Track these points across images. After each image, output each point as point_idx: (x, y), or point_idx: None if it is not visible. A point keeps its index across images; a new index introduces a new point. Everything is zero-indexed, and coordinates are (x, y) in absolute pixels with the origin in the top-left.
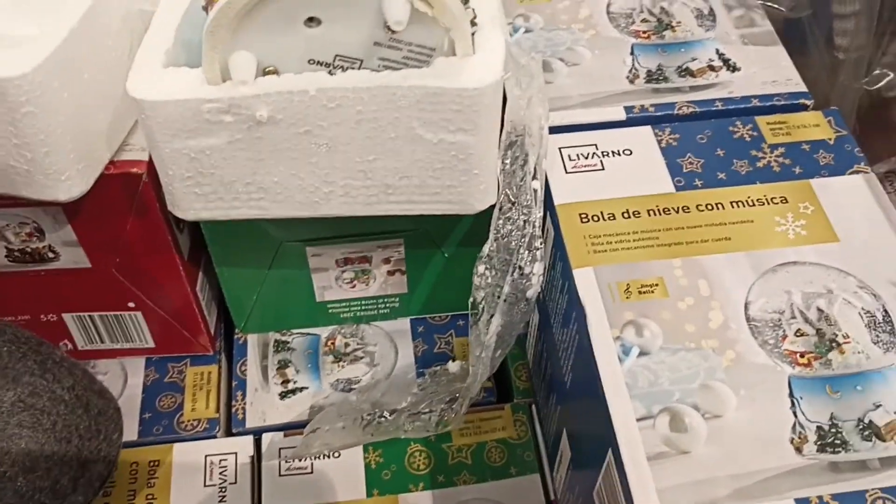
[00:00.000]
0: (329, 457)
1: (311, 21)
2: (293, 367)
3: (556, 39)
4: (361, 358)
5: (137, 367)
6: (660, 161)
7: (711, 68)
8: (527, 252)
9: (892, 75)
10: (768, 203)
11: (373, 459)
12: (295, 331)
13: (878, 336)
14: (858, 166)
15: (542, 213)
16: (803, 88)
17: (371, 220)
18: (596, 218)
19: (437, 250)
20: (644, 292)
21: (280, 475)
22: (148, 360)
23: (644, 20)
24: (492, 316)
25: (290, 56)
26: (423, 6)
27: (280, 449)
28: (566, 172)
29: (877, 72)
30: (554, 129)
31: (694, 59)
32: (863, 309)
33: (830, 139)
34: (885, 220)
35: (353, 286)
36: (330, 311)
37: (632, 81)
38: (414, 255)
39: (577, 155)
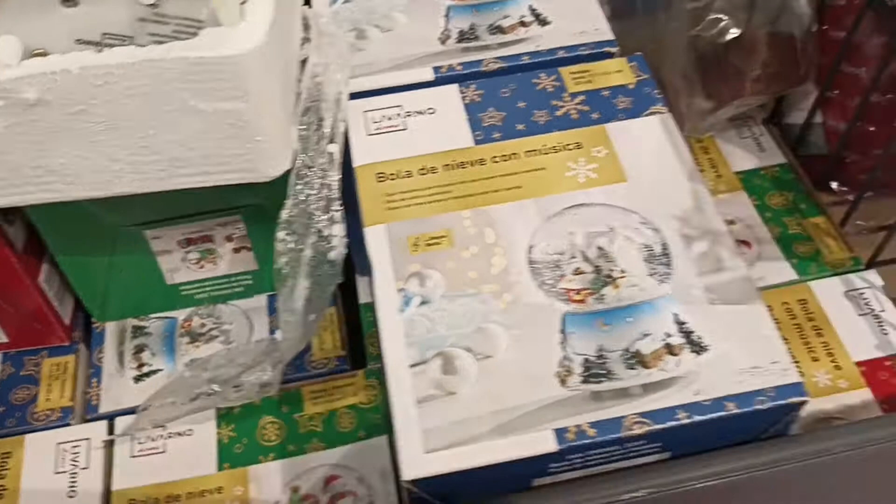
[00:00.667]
0: (182, 435)
1: (69, 0)
2: (149, 350)
3: (373, 8)
4: (217, 337)
5: None
6: (462, 117)
7: (522, 24)
8: (325, 215)
9: (726, 19)
10: (563, 150)
11: (225, 434)
12: (153, 315)
13: (654, 268)
14: (655, 108)
15: (339, 176)
16: (610, 37)
17: (203, 197)
18: (393, 176)
19: (277, 223)
20: (431, 244)
21: (132, 456)
22: (5, 355)
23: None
24: (297, 280)
25: (57, 37)
26: None
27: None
28: (368, 135)
29: (711, 17)
30: (362, 94)
31: (506, 17)
32: (643, 244)
33: (631, 84)
34: (674, 159)
35: (202, 266)
36: (183, 293)
37: (443, 42)
38: (256, 231)
39: (381, 117)
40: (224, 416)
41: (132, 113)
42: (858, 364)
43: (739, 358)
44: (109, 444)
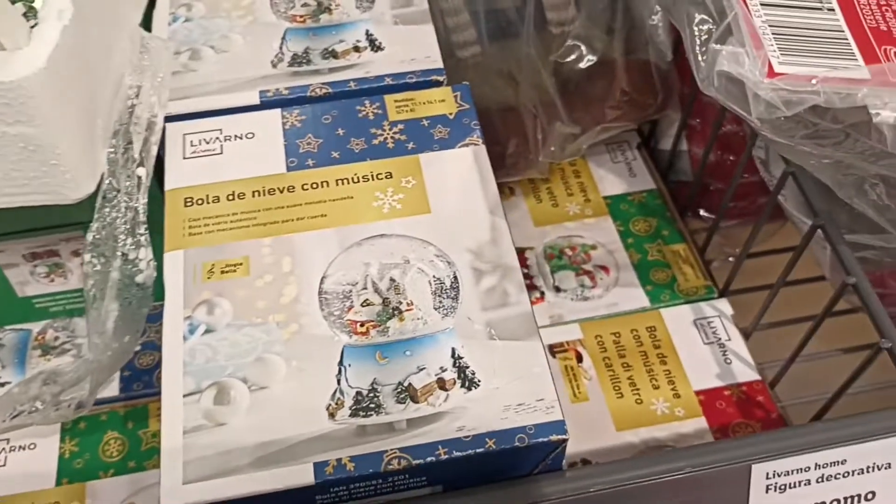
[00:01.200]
0: (25, 449)
1: None
2: (0, 362)
3: (212, 28)
4: (69, 350)
5: None
6: (280, 143)
7: (356, 49)
8: (131, 238)
9: (583, 46)
10: (373, 179)
11: (68, 449)
12: (8, 327)
13: (440, 302)
14: (471, 139)
15: (145, 200)
16: (439, 65)
17: (37, 214)
18: (200, 201)
19: (84, 246)
20: (227, 272)
21: None
22: None
23: (304, 4)
24: (105, 303)
25: None
26: None
27: None
28: (184, 158)
29: (569, 43)
30: (185, 116)
31: (341, 41)
32: (434, 276)
33: (451, 114)
34: (480, 191)
35: (52, 280)
36: (37, 305)
37: (275, 66)
38: None
39: (200, 140)
40: (69, 431)
41: None
42: (698, 393)
43: (508, 395)
44: None
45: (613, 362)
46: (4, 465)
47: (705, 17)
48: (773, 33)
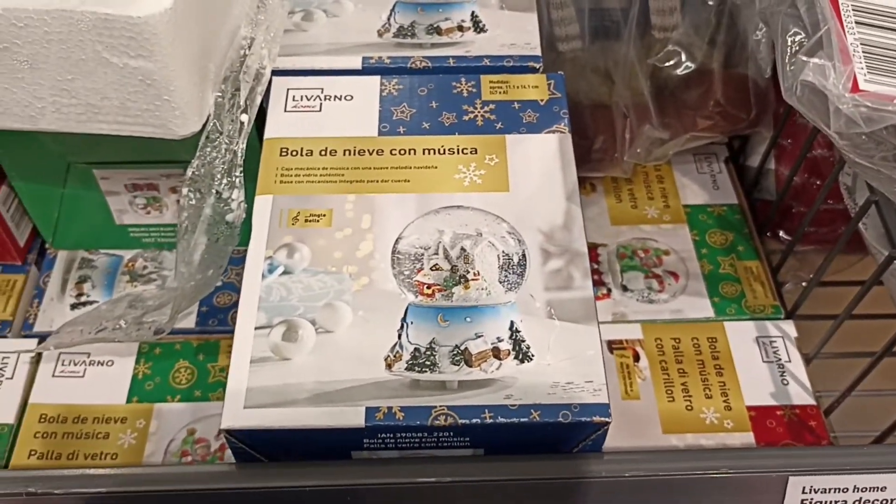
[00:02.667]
0: (103, 364)
1: None
2: (91, 282)
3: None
4: (154, 280)
5: None
6: (375, 108)
7: (460, 28)
8: (227, 178)
9: (683, 53)
10: (458, 153)
11: (141, 371)
12: (102, 251)
13: (506, 276)
14: (558, 126)
15: (244, 145)
16: (537, 52)
17: (144, 146)
18: (294, 153)
19: (183, 180)
20: (310, 220)
21: (53, 376)
22: None
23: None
24: (196, 236)
25: None
26: None
27: (60, 353)
28: (285, 111)
29: (669, 48)
30: (291, 72)
31: (447, 19)
32: (503, 252)
33: (542, 100)
34: (559, 177)
35: (148, 212)
36: (131, 234)
37: (381, 35)
38: None
39: (302, 96)
40: (144, 354)
41: (51, 57)
42: (750, 408)
43: (558, 372)
44: (36, 361)
45: (669, 366)
46: (83, 377)
47: (798, 29)
48: (863, 51)
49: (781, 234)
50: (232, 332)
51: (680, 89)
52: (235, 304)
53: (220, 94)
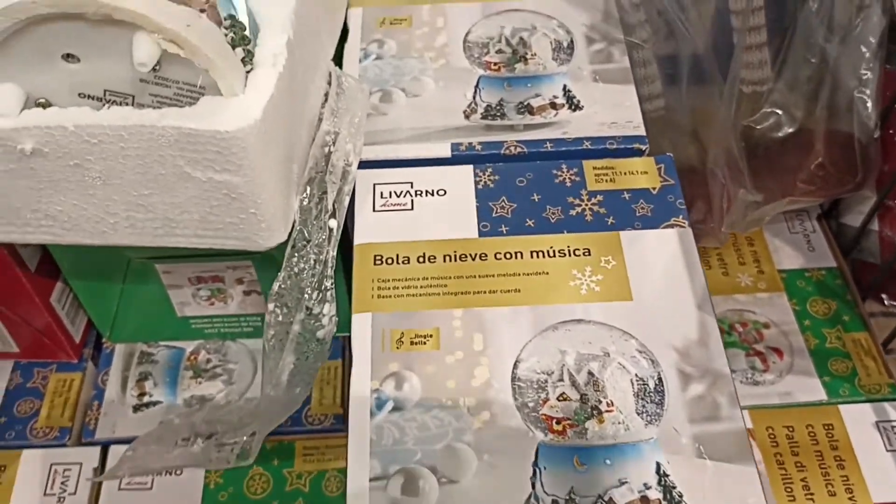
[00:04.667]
0: (171, 474)
1: (70, 57)
2: (152, 379)
3: (404, 68)
4: (220, 375)
5: (4, 370)
6: (472, 204)
7: (553, 105)
8: (316, 292)
9: (781, 114)
10: (570, 255)
11: (213, 480)
12: (162, 343)
13: (643, 406)
14: (676, 219)
15: (335, 253)
16: (641, 132)
17: None
18: (390, 261)
19: (268, 294)
20: (416, 343)
21: (119, 489)
22: (16, 364)
23: (499, 51)
24: (283, 356)
25: (60, 89)
26: (174, 48)
27: None
28: (374, 210)
29: (766, 109)
30: (375, 164)
31: (537, 95)
32: (636, 375)
33: (654, 188)
34: (686, 282)
35: (212, 303)
36: (193, 326)
37: (468, 116)
38: (266, 277)
39: (390, 192)
40: None
41: (127, 172)
42: None
43: None
44: (100, 470)
45: (786, 460)
46: (151, 489)
47: None
48: None
49: (885, 298)
50: (307, 432)
51: (777, 150)
52: (309, 400)
53: (305, 197)
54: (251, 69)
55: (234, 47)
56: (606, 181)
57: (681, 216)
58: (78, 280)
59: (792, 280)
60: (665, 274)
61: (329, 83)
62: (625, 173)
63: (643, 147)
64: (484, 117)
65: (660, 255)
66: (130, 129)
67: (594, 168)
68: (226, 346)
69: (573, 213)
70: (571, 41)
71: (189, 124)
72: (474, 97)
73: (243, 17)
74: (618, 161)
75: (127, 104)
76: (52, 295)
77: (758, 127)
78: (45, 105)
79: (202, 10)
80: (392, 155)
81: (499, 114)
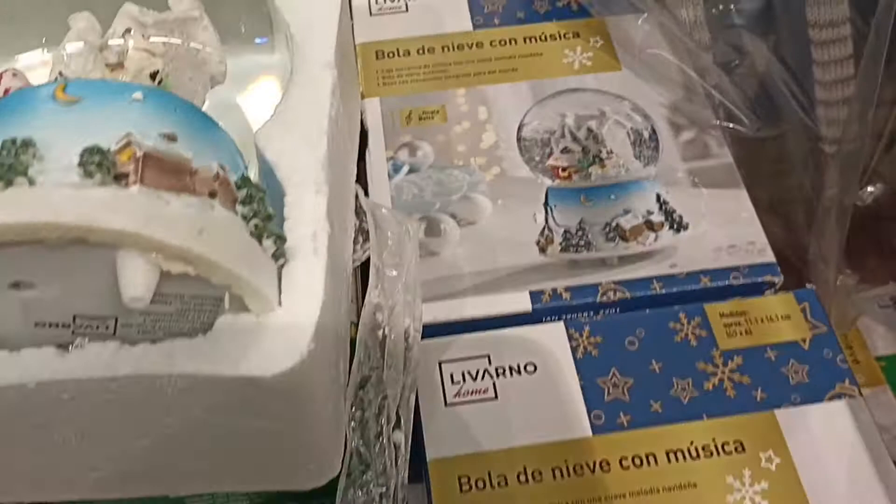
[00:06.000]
0: None
1: (20, 286)
2: None
3: (448, 183)
4: None
5: None
6: (574, 384)
7: (650, 226)
8: None
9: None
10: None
11: None
12: None
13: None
14: (841, 385)
15: (405, 475)
16: (770, 258)
17: None
18: (480, 483)
19: None
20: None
21: None
22: None
23: (565, 149)
24: None
25: (7, 321)
26: (180, 266)
27: None
28: (446, 405)
29: (871, 188)
30: (435, 328)
31: (627, 212)
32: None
33: (804, 340)
34: (872, 475)
35: None
36: None
37: (543, 249)
38: None
39: (465, 374)
40: None
41: (114, 424)
42: None
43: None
44: None
45: None
46: None
47: None
48: None
49: None
50: None
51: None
52: None
53: (359, 406)
54: (284, 263)
55: (259, 238)
56: (741, 334)
57: (846, 380)
58: None
59: (892, 368)
60: (844, 468)
61: (358, 216)
62: (761, 320)
63: (776, 280)
64: (564, 249)
65: (831, 441)
66: (121, 381)
67: (721, 315)
68: None
69: (708, 386)
70: (653, 130)
71: (210, 370)
72: (546, 220)
73: (254, 170)
74: (749, 302)
75: (107, 330)
76: None
77: (862, 205)
78: None
79: (212, 194)
80: (455, 315)
81: (582, 242)
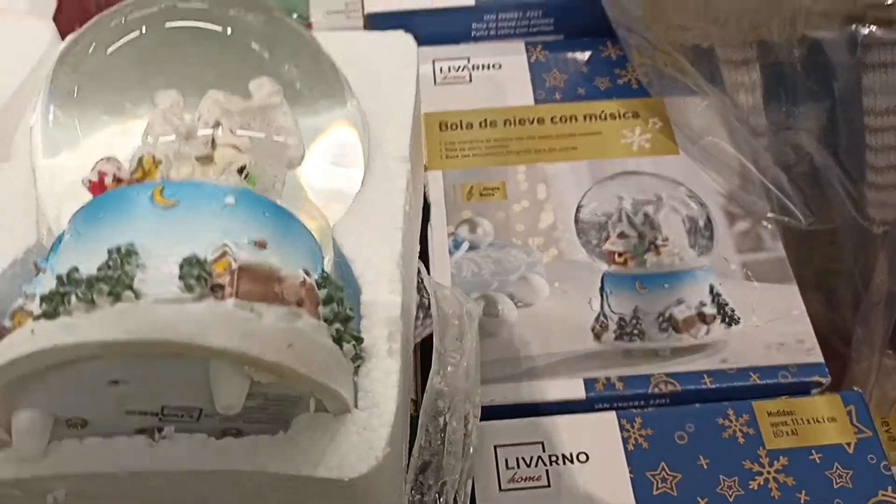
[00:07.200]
0: None
1: (117, 383)
2: None
3: (506, 262)
4: None
5: None
6: (624, 474)
7: (702, 318)
8: None
9: None
10: None
11: None
12: None
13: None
14: (884, 493)
15: None
16: (818, 358)
17: None
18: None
19: None
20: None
21: None
22: None
23: (622, 233)
24: None
25: (102, 410)
26: (266, 377)
27: None
28: (500, 490)
29: None
30: (490, 410)
31: (680, 302)
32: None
33: (850, 444)
34: None
35: None
36: None
37: (598, 337)
38: None
39: (519, 461)
40: None
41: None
42: None
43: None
44: None
45: None
46: None
47: None
48: None
49: None
50: None
51: None
52: None
53: (417, 489)
54: (361, 364)
55: (340, 342)
56: (788, 434)
57: (889, 487)
58: None
59: None
60: None
61: (419, 292)
62: (808, 421)
63: (823, 380)
64: (619, 337)
65: None
66: (204, 475)
67: (769, 413)
68: None
69: (754, 485)
70: (708, 219)
71: (291, 469)
72: (602, 307)
73: (328, 258)
74: (797, 402)
75: (192, 419)
76: None
77: None
78: (80, 425)
79: (299, 303)
80: (511, 398)
81: (636, 331)
